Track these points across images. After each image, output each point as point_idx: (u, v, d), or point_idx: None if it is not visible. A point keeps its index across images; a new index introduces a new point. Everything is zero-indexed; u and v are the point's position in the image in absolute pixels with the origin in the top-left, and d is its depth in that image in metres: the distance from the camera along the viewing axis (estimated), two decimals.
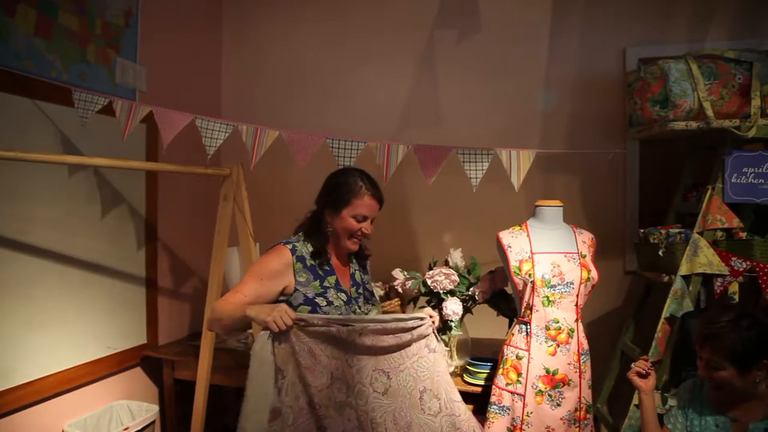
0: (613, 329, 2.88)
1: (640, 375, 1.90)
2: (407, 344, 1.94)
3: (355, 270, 2.09)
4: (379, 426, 1.80)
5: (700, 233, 2.28)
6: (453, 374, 2.63)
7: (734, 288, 2.27)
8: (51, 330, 2.31)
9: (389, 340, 1.90)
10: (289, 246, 1.92)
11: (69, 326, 2.39)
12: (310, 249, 1.94)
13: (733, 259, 2.23)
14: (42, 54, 2.24)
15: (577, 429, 2.24)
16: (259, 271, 1.87)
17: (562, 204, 2.38)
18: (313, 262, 1.92)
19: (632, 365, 1.93)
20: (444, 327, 2.64)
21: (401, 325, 1.89)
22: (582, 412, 2.25)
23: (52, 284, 2.31)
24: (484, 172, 2.34)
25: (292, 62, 3.41)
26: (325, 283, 1.93)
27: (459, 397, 2.10)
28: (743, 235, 2.30)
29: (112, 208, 2.62)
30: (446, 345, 2.70)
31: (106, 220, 2.58)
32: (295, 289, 1.88)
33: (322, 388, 1.73)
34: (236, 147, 2.43)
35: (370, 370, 1.87)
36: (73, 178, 2.41)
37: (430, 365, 2.03)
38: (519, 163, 2.36)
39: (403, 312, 2.54)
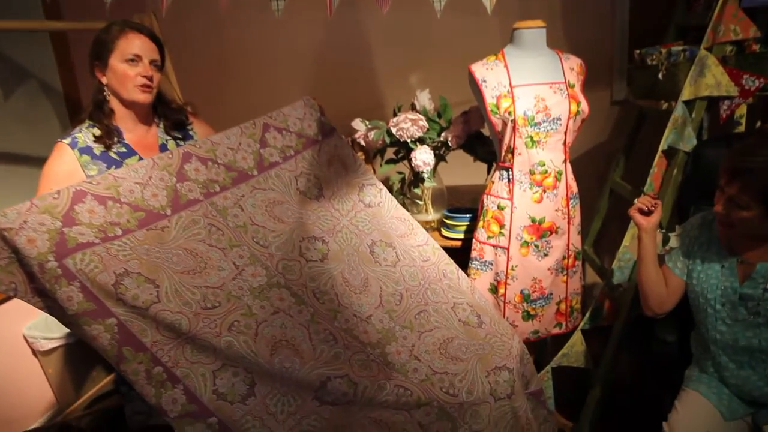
0: (600, 166, 2.68)
1: (641, 212, 1.70)
2: (316, 186, 1.81)
3: (166, 140, 1.80)
4: (326, 294, 1.63)
5: (709, 49, 1.95)
6: (429, 228, 2.43)
7: (742, 111, 2.01)
8: None
9: (278, 197, 1.72)
10: (68, 140, 1.67)
11: None
12: (98, 133, 1.69)
13: (745, 76, 1.93)
14: None
15: (565, 277, 2.10)
16: (46, 182, 1.63)
17: (544, 24, 2.00)
18: (103, 149, 1.68)
19: (635, 201, 1.73)
20: (415, 179, 2.38)
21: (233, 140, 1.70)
22: (570, 260, 2.09)
23: None
24: None
25: None
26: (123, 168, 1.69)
27: (423, 239, 1.95)
28: (756, 48, 1.98)
29: (18, 85, 2.15)
30: (420, 199, 2.46)
31: (13, 102, 2.12)
32: None
33: (225, 281, 1.48)
34: None
35: (296, 242, 1.67)
36: None
37: (370, 218, 1.89)
38: None
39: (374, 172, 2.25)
